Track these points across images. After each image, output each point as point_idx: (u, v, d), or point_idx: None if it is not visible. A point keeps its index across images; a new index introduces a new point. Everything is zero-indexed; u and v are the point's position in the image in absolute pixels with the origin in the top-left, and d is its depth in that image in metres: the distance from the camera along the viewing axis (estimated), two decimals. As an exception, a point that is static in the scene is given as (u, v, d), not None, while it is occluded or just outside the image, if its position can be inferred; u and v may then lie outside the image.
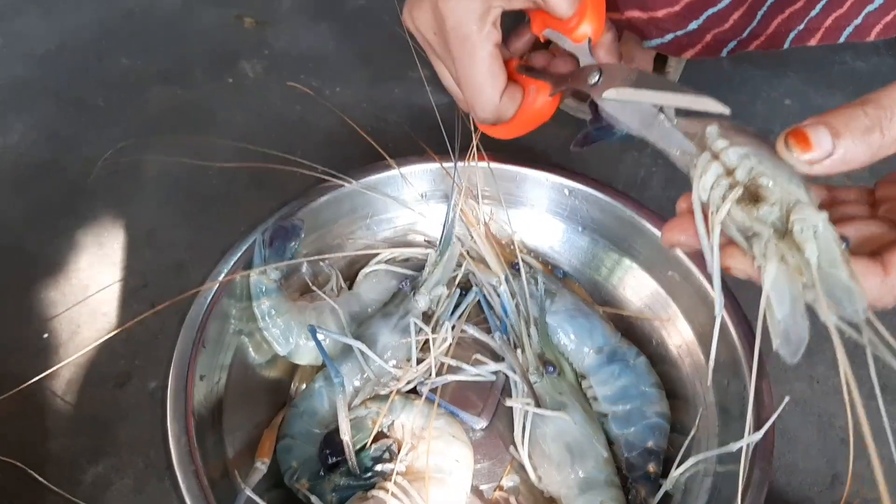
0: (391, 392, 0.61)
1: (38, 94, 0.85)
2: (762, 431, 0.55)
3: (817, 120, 0.35)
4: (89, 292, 0.70)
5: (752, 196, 0.37)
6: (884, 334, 0.35)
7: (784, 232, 0.36)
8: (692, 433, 0.59)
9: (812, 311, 0.35)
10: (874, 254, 0.38)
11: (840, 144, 0.35)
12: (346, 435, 0.56)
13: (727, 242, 0.39)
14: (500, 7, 0.49)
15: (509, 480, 0.61)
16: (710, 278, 0.60)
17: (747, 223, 0.37)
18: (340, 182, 0.66)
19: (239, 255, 0.63)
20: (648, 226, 0.64)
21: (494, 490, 0.61)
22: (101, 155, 0.78)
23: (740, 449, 0.56)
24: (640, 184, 0.79)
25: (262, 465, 0.55)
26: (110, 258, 0.73)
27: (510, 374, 0.61)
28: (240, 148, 0.78)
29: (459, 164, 0.66)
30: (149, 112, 0.84)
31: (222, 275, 0.62)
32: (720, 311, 0.40)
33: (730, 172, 0.38)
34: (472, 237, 0.66)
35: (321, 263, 0.68)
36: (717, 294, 0.39)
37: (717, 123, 0.39)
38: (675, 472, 0.58)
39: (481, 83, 0.50)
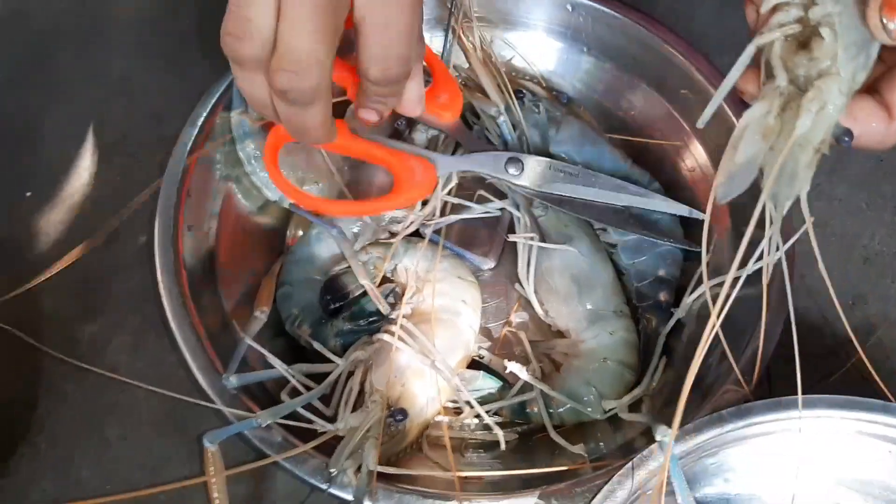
0: (393, 236, 0.58)
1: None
2: (781, 251, 0.52)
3: None
4: (68, 147, 0.66)
5: (804, 41, 0.33)
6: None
7: (802, 91, 0.34)
8: (706, 258, 0.57)
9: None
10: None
11: None
12: (364, 279, 0.55)
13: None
14: None
15: (518, 317, 0.60)
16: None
17: (776, 61, 0.34)
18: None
19: (217, 96, 0.58)
20: (660, 41, 0.59)
21: (503, 327, 0.59)
22: (66, 2, 0.72)
23: (757, 273, 0.53)
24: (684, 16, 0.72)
25: (261, 315, 0.53)
26: (86, 111, 0.68)
27: (513, 210, 0.58)
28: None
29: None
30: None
31: (201, 119, 0.58)
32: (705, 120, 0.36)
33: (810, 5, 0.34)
34: (470, 64, 0.61)
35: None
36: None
37: None
38: (687, 300, 0.56)
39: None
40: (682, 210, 0.56)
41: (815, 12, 0.34)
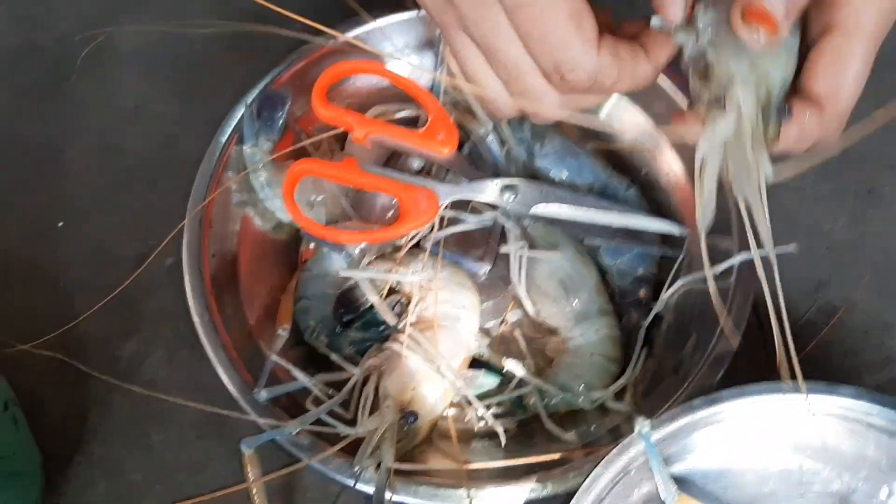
0: (397, 250, 0.64)
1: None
2: (740, 256, 0.58)
3: None
4: (91, 176, 0.72)
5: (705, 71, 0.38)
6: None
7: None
8: (681, 257, 0.63)
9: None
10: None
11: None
12: (372, 295, 0.61)
13: None
14: None
15: (513, 315, 0.66)
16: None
17: (697, 90, 0.38)
18: (322, 41, 0.66)
19: (231, 128, 0.64)
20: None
21: (500, 325, 0.66)
22: (77, 31, 0.77)
23: (727, 269, 0.59)
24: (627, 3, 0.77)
25: (283, 332, 0.60)
26: (105, 140, 0.74)
27: (504, 221, 0.64)
28: (215, 9, 0.77)
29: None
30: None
31: (218, 151, 0.63)
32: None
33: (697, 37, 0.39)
34: (459, 86, 0.66)
35: (312, 127, 0.69)
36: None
37: None
38: (664, 295, 0.62)
39: (564, 29, 0.36)
40: (664, 227, 0.61)
41: (701, 41, 0.38)
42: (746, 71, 0.37)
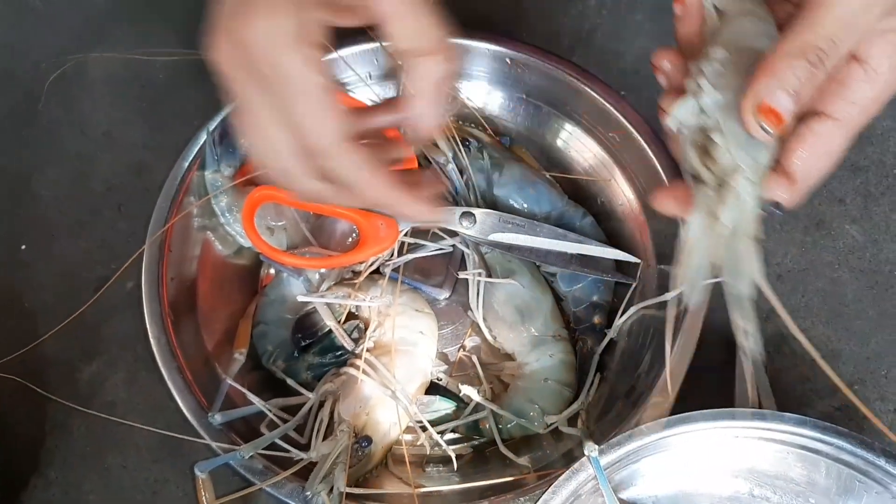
0: (356, 276, 0.65)
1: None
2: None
3: (772, 83, 0.35)
4: (59, 201, 0.73)
5: (704, 147, 0.39)
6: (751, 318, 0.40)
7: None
8: (633, 285, 0.64)
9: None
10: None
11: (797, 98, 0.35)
12: (330, 320, 0.62)
13: None
14: (319, 23, 0.39)
15: (471, 341, 0.67)
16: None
17: (696, 168, 0.39)
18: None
19: (194, 154, 0.65)
20: (588, 90, 0.66)
21: (458, 350, 0.67)
22: (50, 60, 0.78)
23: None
24: (585, 38, 0.79)
25: (239, 356, 0.60)
26: (73, 165, 0.74)
27: (462, 248, 0.65)
28: (179, 38, 0.78)
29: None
30: (91, 9, 0.83)
31: (180, 177, 0.64)
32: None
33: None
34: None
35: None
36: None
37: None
38: (618, 322, 0.63)
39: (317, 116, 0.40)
40: (618, 255, 0.63)
41: (705, 120, 0.39)
42: (752, 164, 0.38)
